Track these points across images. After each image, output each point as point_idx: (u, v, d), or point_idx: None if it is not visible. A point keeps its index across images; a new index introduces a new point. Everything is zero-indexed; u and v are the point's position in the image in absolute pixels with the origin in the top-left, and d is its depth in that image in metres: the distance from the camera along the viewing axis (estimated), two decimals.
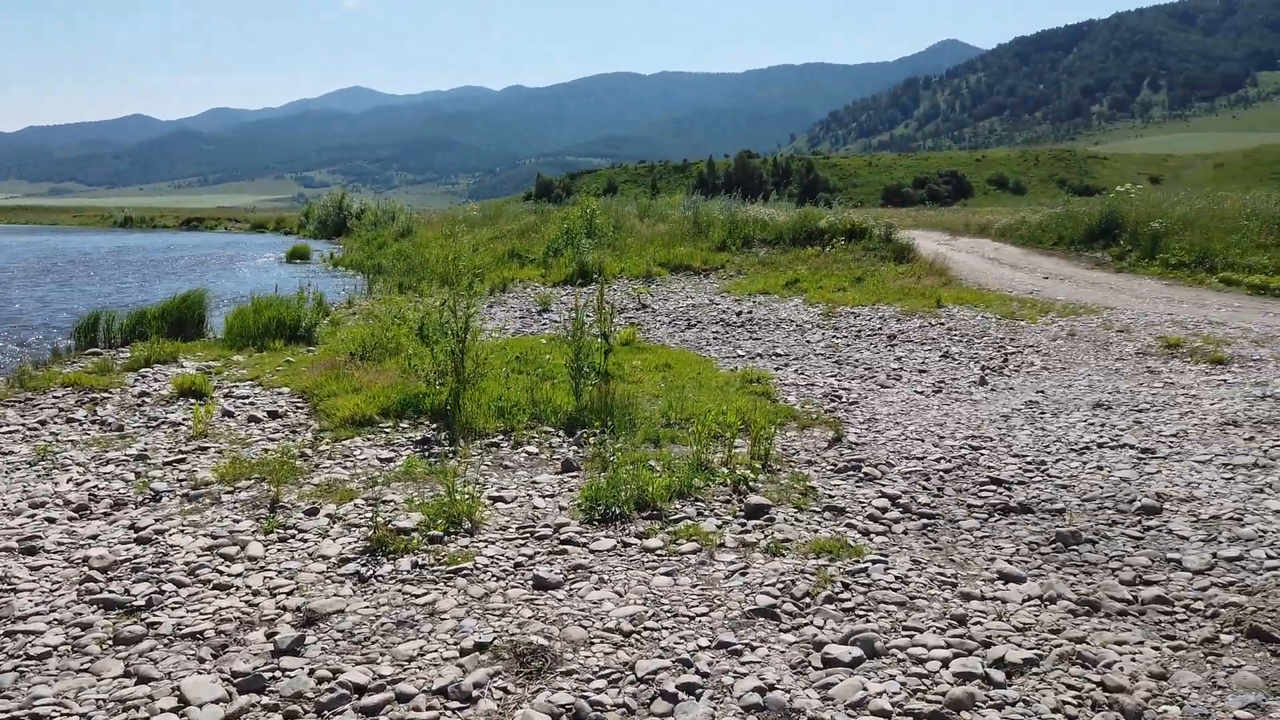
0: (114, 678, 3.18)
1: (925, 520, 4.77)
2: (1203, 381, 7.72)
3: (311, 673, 3.18)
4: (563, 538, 4.42)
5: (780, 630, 3.48)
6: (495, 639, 3.40)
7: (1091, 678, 3.05)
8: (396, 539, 4.30)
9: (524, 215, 27.22)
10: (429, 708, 2.96)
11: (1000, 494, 5.15)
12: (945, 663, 3.18)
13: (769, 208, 24.86)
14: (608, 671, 3.18)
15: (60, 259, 24.64)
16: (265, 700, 3.02)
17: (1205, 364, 8.41)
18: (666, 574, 4.00)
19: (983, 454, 5.93)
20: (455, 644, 3.38)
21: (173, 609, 3.69)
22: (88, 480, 5.34)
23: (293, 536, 4.47)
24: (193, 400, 7.28)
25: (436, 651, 3.33)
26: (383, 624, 3.55)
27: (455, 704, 2.99)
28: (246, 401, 7.34)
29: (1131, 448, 5.89)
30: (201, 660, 3.29)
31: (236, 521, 4.67)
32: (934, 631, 3.41)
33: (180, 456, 5.83)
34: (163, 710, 2.95)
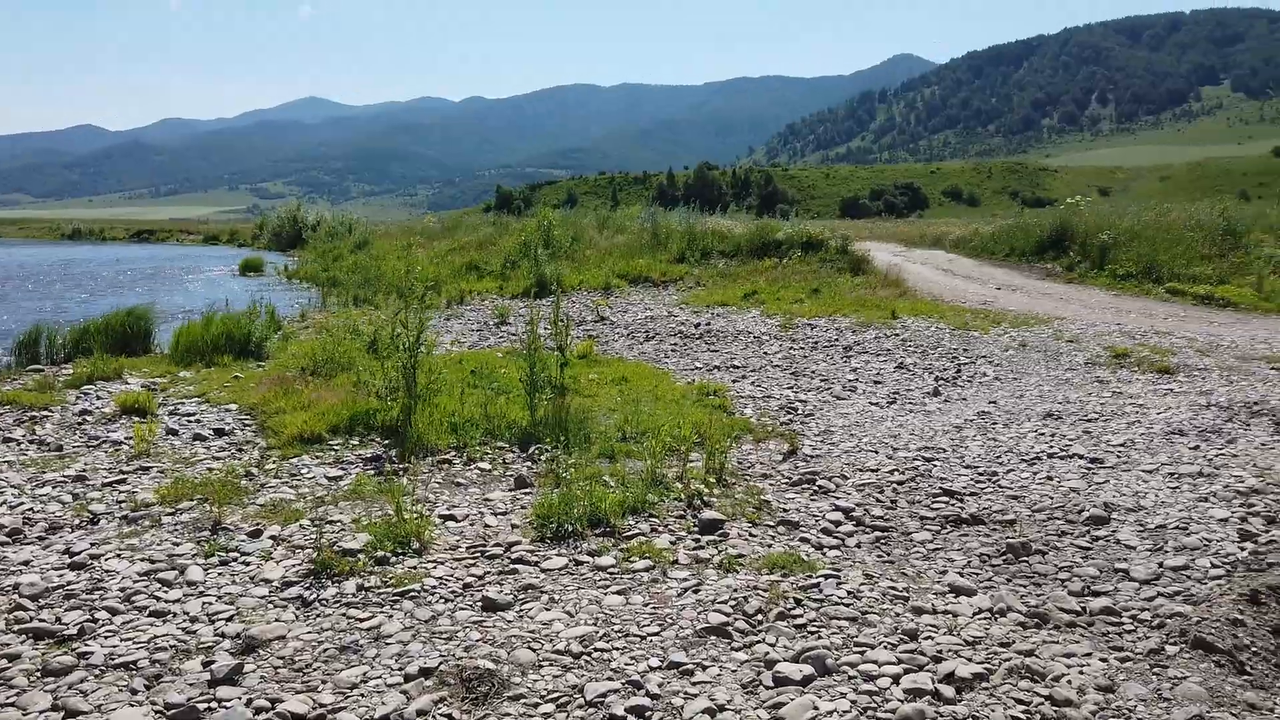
0: (40, 712, 3.05)
1: (878, 533, 4.77)
2: (1150, 391, 7.86)
3: (249, 703, 3.07)
4: (514, 557, 4.35)
5: (732, 649, 3.45)
6: (441, 663, 3.32)
7: (1040, 691, 3.06)
8: (342, 561, 4.20)
9: (483, 227, 27.06)
10: None
11: (953, 505, 5.18)
12: (896, 679, 3.16)
13: (728, 219, 25.00)
14: (556, 695, 3.12)
15: (1, 273, 23.99)
16: None
17: (1152, 374, 8.56)
18: (619, 593, 3.94)
19: (936, 465, 5.96)
20: (400, 669, 3.29)
21: (106, 638, 3.56)
22: (23, 503, 5.15)
23: (234, 559, 4.34)
24: (136, 418, 7.08)
25: (380, 678, 3.24)
26: (325, 650, 3.46)
27: None
28: (192, 419, 7.16)
29: (1081, 457, 5.96)
30: (134, 692, 3.17)
31: (176, 544, 4.53)
32: (885, 647, 3.40)
33: (121, 477, 5.65)
34: None
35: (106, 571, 4.18)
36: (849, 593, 3.90)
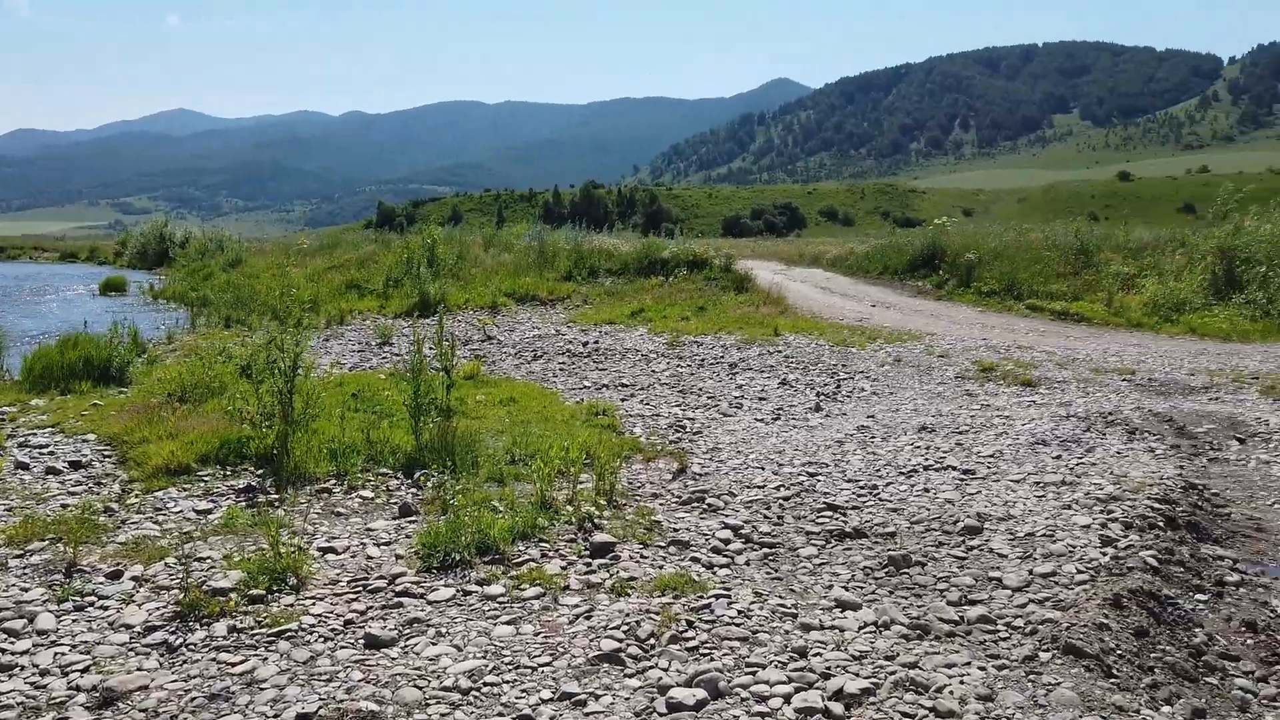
0: None
1: (767, 550, 4.84)
2: (1015, 403, 8.27)
3: None
4: (398, 589, 4.19)
5: (625, 675, 3.41)
6: (321, 708, 3.16)
7: (924, 704, 3.14)
8: (211, 601, 3.95)
9: (364, 244, 26.32)
10: None
11: (836, 519, 5.30)
12: (787, 699, 3.19)
13: (614, 238, 25.14)
14: None
15: None
16: None
17: (1016, 386, 9.02)
18: (509, 623, 3.85)
19: (819, 480, 6.09)
20: (275, 716, 3.12)
21: None
22: None
23: (91, 604, 4.03)
24: None
25: None
26: (193, 699, 3.24)
27: None
28: (45, 451, 6.66)
29: (954, 469, 6.20)
30: None
31: (25, 590, 4.18)
32: (776, 666, 3.43)
33: None
34: None
35: None
36: (740, 612, 3.93)
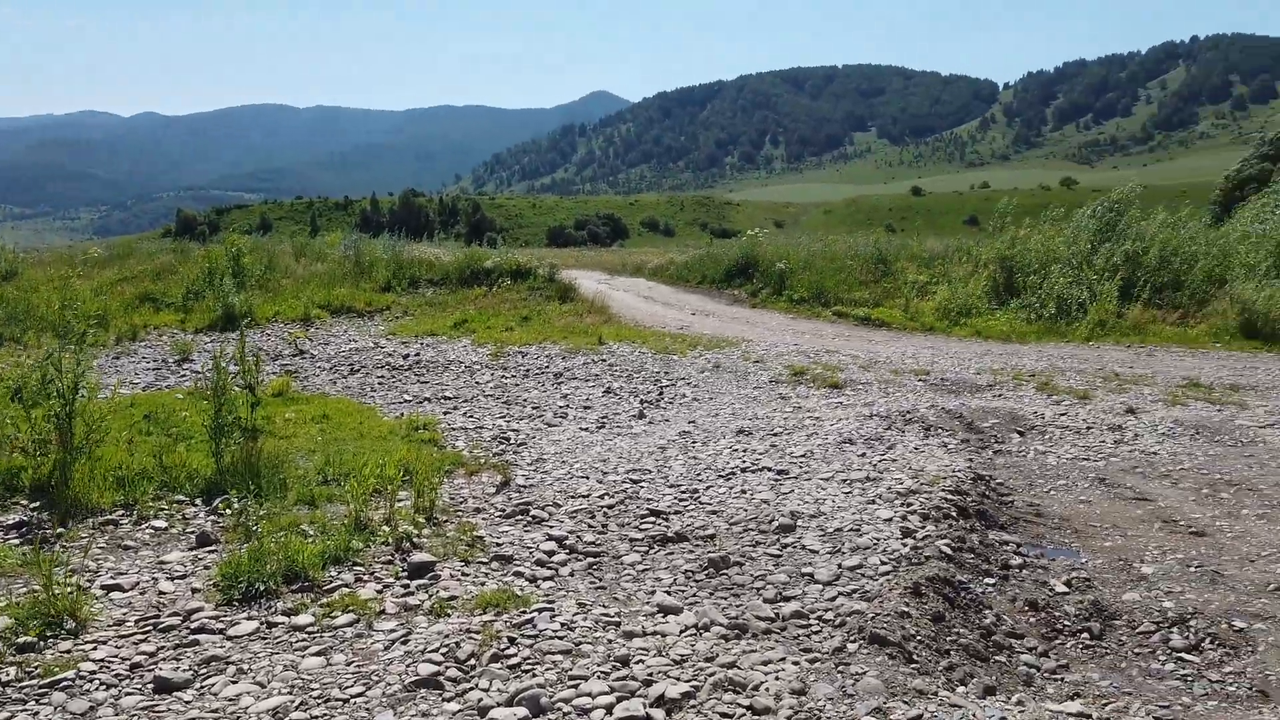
0: None
1: (591, 559, 4.83)
2: (824, 405, 8.70)
3: None
4: (194, 626, 3.88)
5: (444, 699, 3.30)
6: None
7: (742, 702, 3.22)
8: None
9: (160, 254, 24.37)
10: None
11: (659, 525, 5.37)
12: (609, 709, 3.18)
13: (435, 247, 24.54)
14: None
15: None
16: None
17: (825, 389, 9.49)
18: (318, 653, 3.64)
19: (643, 486, 6.16)
20: None
21: None
22: None
23: None
24: None
25: None
26: None
27: None
28: None
29: (769, 470, 6.43)
30: None
31: None
32: (598, 677, 3.42)
33: None
34: None
35: None
36: (563, 625, 3.89)
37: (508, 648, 3.67)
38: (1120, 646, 4.12)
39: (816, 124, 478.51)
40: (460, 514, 5.54)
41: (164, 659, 3.60)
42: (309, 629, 3.88)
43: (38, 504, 5.55)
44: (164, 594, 4.24)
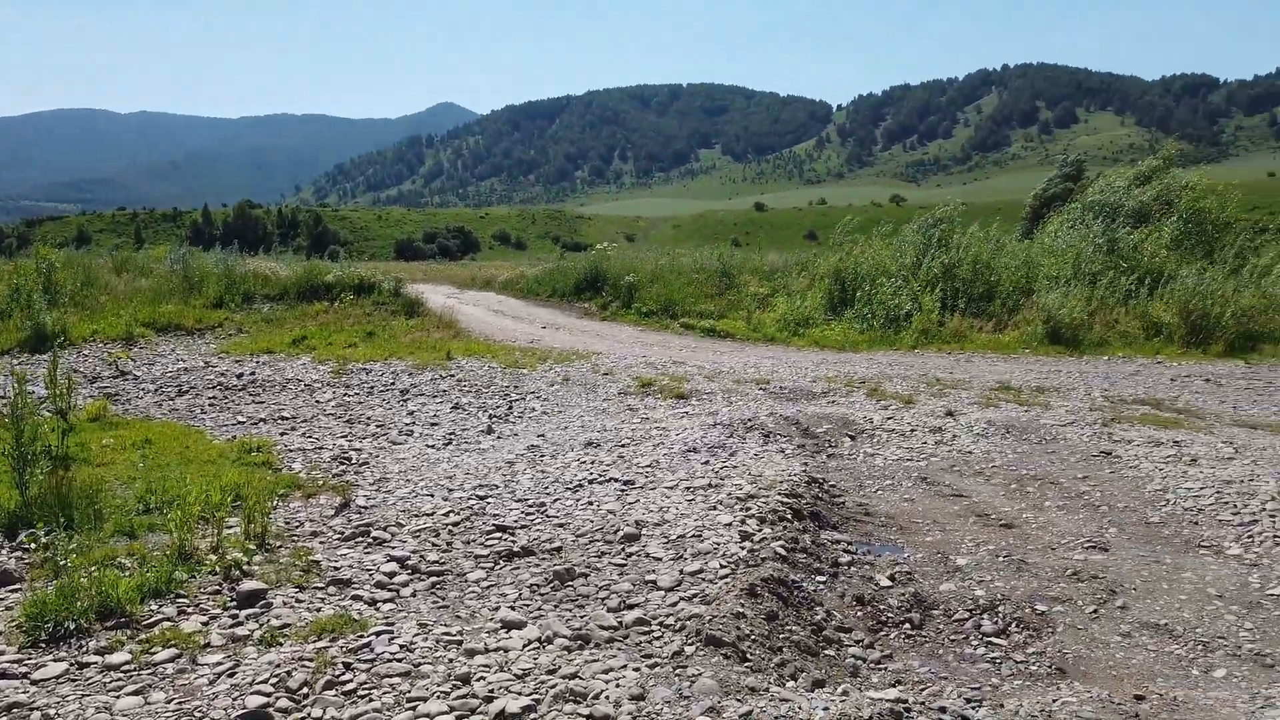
0: None
1: (434, 578, 4.75)
2: (670, 415, 8.89)
3: None
4: None
5: None
6: None
7: (582, 712, 3.25)
8: None
9: None
10: None
11: (505, 540, 5.34)
12: None
13: (274, 261, 23.51)
14: None
15: None
16: None
17: (672, 399, 9.70)
18: (135, 692, 3.42)
19: (489, 502, 6.11)
20: None
21: None
22: None
23: None
24: None
25: None
26: None
27: None
28: None
29: (616, 480, 6.52)
30: None
31: None
32: (438, 697, 3.37)
33: None
34: None
35: None
36: (402, 646, 3.81)
37: (343, 673, 3.57)
38: (938, 634, 4.42)
39: (664, 140, 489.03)
40: (296, 539, 5.33)
41: None
42: (125, 667, 3.64)
43: None
44: None
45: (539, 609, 4.32)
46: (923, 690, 3.72)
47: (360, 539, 5.36)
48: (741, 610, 4.08)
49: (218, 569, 4.64)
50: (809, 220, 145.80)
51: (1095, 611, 4.54)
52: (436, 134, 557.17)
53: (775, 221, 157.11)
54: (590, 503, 6.01)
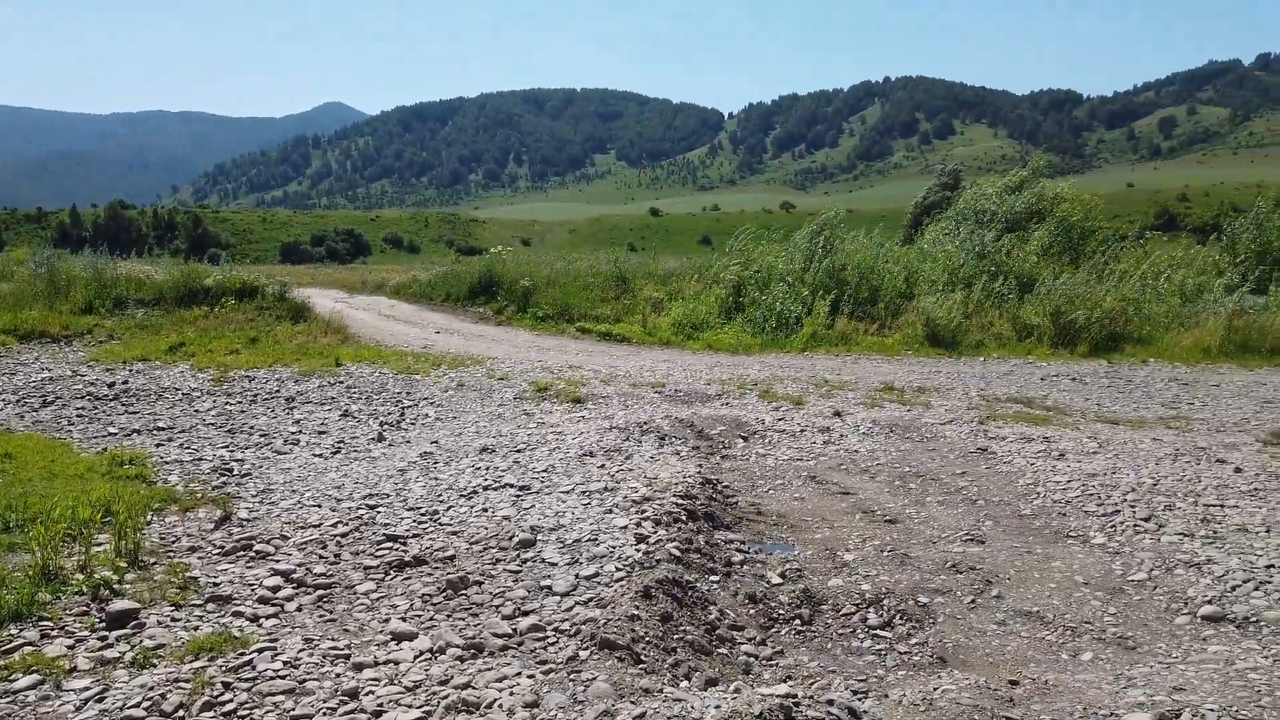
0: None
1: (321, 591, 4.61)
2: (566, 419, 8.87)
3: None
4: None
5: None
6: None
7: None
8: None
9: None
10: None
11: (396, 550, 5.22)
12: None
13: (148, 264, 22.38)
14: None
15: None
16: None
17: (568, 403, 9.68)
18: None
19: (380, 511, 5.96)
20: None
21: None
22: None
23: None
24: None
25: None
26: None
27: None
28: None
29: (512, 486, 6.46)
30: None
31: None
32: (324, 714, 3.27)
33: None
34: None
35: None
36: (286, 663, 3.68)
37: (222, 694, 3.42)
38: (827, 629, 4.54)
39: (558, 145, 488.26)
40: (172, 555, 5.09)
41: None
42: None
43: None
44: None
45: (431, 619, 4.24)
46: (812, 684, 3.81)
47: (242, 553, 5.15)
48: (636, 612, 4.10)
49: (85, 589, 4.38)
50: (703, 226, 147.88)
51: (973, 601, 4.75)
52: (324, 134, 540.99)
53: (670, 227, 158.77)
54: (485, 509, 5.94)
